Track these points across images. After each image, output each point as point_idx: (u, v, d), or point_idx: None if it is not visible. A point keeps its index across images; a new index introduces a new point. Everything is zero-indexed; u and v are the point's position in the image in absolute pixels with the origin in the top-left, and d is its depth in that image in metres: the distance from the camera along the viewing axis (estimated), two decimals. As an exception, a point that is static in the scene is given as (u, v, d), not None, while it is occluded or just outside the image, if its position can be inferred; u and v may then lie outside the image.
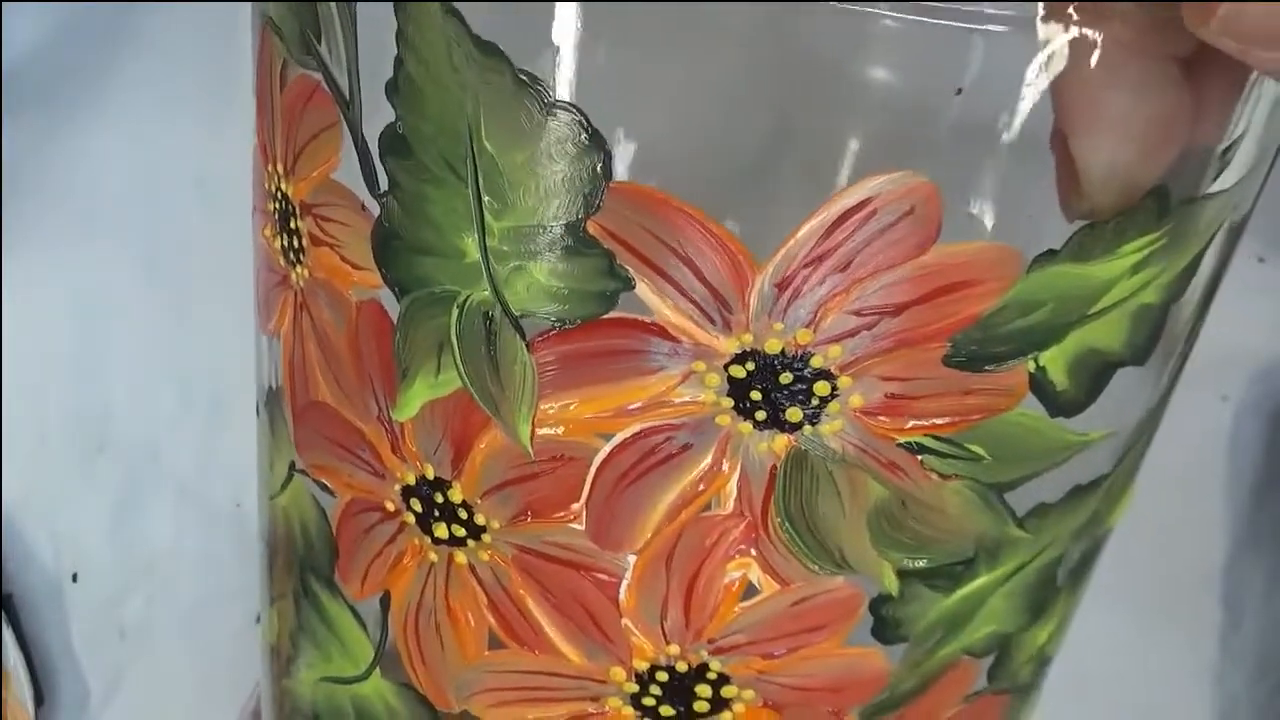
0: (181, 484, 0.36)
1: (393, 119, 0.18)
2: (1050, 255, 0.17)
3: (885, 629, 0.20)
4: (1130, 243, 0.18)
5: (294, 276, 0.21)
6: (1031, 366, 0.18)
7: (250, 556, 0.35)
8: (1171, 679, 0.32)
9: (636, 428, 0.18)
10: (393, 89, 0.17)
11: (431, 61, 0.17)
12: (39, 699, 0.34)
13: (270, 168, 0.21)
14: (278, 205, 0.21)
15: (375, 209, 0.19)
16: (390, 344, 0.19)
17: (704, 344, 0.17)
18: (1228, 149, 0.18)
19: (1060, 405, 0.19)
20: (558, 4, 0.16)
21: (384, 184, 0.18)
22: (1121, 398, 0.20)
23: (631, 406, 0.18)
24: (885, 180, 0.16)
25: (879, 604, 0.20)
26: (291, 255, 0.21)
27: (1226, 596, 0.26)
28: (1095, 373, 0.19)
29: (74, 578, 0.35)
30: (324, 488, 0.22)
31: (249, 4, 0.32)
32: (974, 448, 0.19)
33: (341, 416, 0.21)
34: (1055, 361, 0.18)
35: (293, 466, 0.22)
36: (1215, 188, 0.18)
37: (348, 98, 0.18)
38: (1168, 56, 0.17)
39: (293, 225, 0.20)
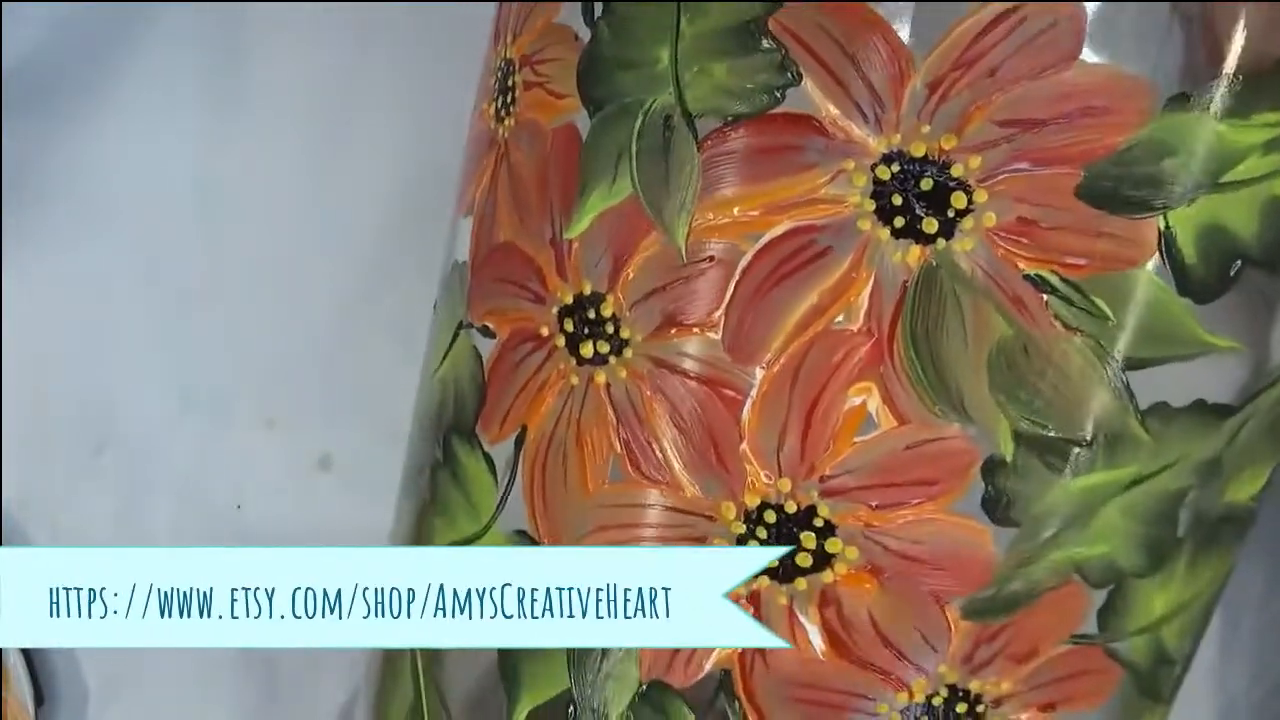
0: (181, 484, 0.36)
1: None
2: (1183, 99, 0.19)
3: (996, 502, 0.20)
4: (1261, 113, 0.19)
5: (501, 131, 0.24)
6: (1162, 224, 0.19)
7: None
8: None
9: (783, 228, 0.20)
10: None
11: None
12: (39, 699, 0.34)
13: (498, 48, 0.24)
14: (498, 75, 0.24)
15: (587, 37, 0.21)
16: (577, 162, 0.22)
17: (856, 142, 0.19)
18: None
19: (1188, 282, 0.20)
20: None
21: (599, 11, 0.21)
22: (1252, 320, 0.21)
23: (782, 202, 0.20)
24: (1036, -11, 0.18)
25: (992, 470, 0.20)
26: (503, 111, 0.24)
27: (1225, 597, 0.24)
28: (1224, 255, 0.20)
29: (73, 577, 0.35)
30: (486, 332, 0.24)
31: (249, 4, 0.34)
32: (1099, 301, 0.20)
33: (518, 250, 0.23)
34: (1185, 226, 0.19)
35: (459, 326, 0.24)
36: None
37: None
38: None
39: (509, 83, 0.23)
